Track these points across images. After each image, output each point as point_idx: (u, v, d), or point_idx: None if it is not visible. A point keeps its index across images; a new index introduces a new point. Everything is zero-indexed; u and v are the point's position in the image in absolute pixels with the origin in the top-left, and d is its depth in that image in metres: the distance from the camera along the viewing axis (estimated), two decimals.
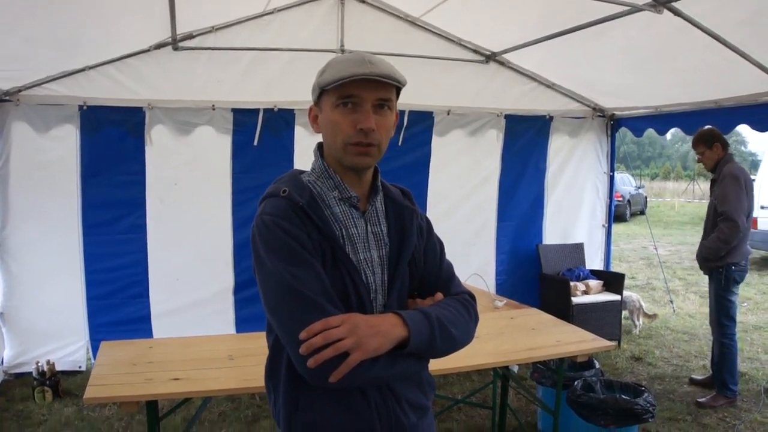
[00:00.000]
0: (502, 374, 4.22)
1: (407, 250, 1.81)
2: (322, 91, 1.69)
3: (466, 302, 1.86)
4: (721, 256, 4.97)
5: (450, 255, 5.79)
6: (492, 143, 6.87)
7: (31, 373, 5.22)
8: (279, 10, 5.78)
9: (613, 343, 3.84)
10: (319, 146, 1.82)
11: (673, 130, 6.49)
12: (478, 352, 3.51)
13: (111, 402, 3.86)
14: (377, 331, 1.57)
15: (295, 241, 1.61)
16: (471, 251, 6.85)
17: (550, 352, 3.61)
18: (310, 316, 1.54)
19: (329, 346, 1.50)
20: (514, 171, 6.98)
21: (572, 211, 7.24)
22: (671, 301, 8.62)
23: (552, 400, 3.99)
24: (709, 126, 5.31)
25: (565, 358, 3.72)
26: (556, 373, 3.82)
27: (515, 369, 5.44)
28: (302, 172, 1.82)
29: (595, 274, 7.00)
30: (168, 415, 3.61)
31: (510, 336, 3.85)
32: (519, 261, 7.13)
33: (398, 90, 1.73)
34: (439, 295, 1.83)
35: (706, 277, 5.24)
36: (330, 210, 1.72)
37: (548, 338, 3.77)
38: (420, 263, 1.86)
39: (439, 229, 6.04)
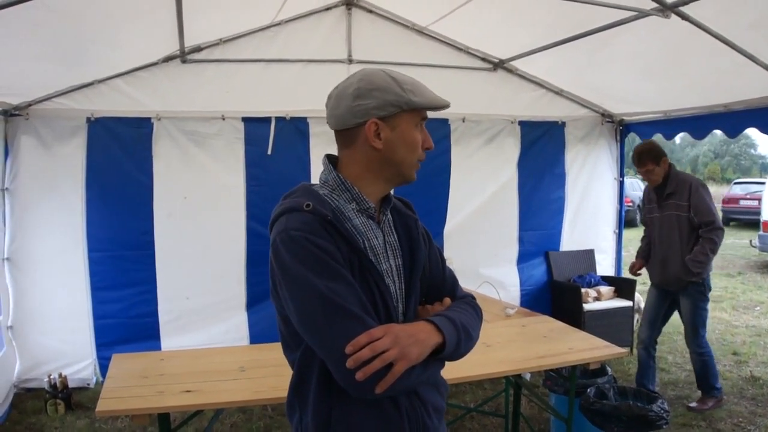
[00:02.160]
0: (514, 382, 4.20)
1: (419, 259, 1.83)
2: (403, 110, 1.72)
3: (474, 305, 1.93)
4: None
5: (473, 265, 5.83)
6: (509, 150, 6.86)
7: (42, 387, 5.23)
8: (286, 21, 5.81)
9: (626, 350, 3.82)
10: (329, 158, 1.82)
11: (682, 134, 6.43)
12: (490, 361, 3.51)
13: (123, 414, 3.84)
14: (416, 339, 1.61)
15: (327, 255, 1.61)
16: (495, 261, 6.83)
17: (562, 360, 3.59)
18: (352, 330, 1.55)
19: (376, 358, 1.52)
20: (533, 178, 6.97)
21: (586, 217, 7.21)
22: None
23: (565, 408, 3.97)
24: (648, 140, 5.28)
25: (577, 366, 3.70)
26: (569, 380, 3.80)
27: (527, 377, 5.42)
28: (312, 185, 1.81)
29: (607, 280, 6.96)
30: (180, 428, 3.60)
31: (521, 344, 3.83)
32: (536, 269, 7.12)
33: None
34: (448, 300, 1.88)
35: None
36: (351, 222, 1.73)
37: (560, 346, 3.74)
38: (426, 270, 1.89)
39: (461, 239, 6.08)
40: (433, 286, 1.91)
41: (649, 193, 5.23)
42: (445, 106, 1.77)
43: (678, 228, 4.92)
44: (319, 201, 1.70)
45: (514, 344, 3.83)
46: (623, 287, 6.78)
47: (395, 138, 1.73)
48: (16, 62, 4.30)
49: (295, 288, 1.62)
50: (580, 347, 3.71)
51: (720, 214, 5.02)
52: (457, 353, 1.74)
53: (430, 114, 5.59)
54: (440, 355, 1.66)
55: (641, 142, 5.18)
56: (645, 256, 5.36)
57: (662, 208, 5.01)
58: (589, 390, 4.21)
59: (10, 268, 5.43)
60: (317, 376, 1.68)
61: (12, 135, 5.36)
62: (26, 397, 5.42)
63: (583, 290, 6.53)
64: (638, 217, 20.61)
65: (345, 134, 1.75)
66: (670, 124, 6.32)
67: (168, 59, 5.62)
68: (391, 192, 1.86)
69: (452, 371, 3.23)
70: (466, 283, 4.88)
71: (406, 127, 1.73)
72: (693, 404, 5.13)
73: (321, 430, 1.70)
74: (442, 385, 1.91)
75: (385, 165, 1.75)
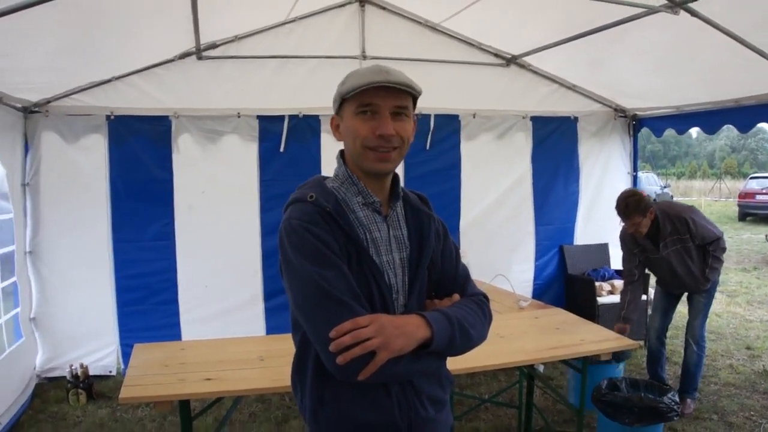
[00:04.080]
0: (527, 374, 4.26)
1: (426, 254, 1.88)
2: (343, 101, 1.78)
3: (481, 303, 1.96)
4: None
5: (489, 259, 5.86)
6: (521, 145, 6.91)
7: (64, 376, 5.37)
8: (301, 18, 5.89)
9: (638, 342, 3.85)
10: (341, 153, 1.90)
11: (697, 129, 6.44)
12: (502, 351, 3.57)
13: (146, 402, 3.95)
14: (403, 331, 1.66)
15: (323, 244, 1.68)
16: (510, 255, 6.92)
17: (573, 351, 3.64)
18: (339, 316, 1.62)
19: (358, 345, 1.59)
20: (547, 173, 7.03)
21: (600, 211, 7.20)
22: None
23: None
24: (626, 191, 4.94)
25: (588, 357, 3.75)
26: (581, 371, 3.85)
27: (541, 368, 5.48)
28: (326, 178, 1.89)
29: (621, 273, 6.96)
30: (200, 416, 3.71)
31: (534, 335, 3.89)
32: (550, 263, 7.19)
33: (414, 99, 1.82)
34: (456, 296, 1.92)
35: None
36: (354, 214, 1.80)
37: (572, 337, 3.80)
38: (438, 265, 1.94)
39: (475, 234, 6.13)
40: (445, 281, 1.96)
41: (636, 239, 4.92)
42: (367, 83, 1.70)
43: (689, 257, 4.83)
44: (323, 193, 1.78)
45: (527, 336, 3.88)
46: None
47: (343, 129, 1.82)
48: (34, 59, 4.40)
49: (291, 273, 1.71)
50: (591, 339, 3.76)
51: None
52: (452, 349, 1.78)
53: (440, 110, 5.66)
54: (429, 349, 1.70)
55: (625, 193, 4.85)
56: (633, 317, 4.98)
57: (663, 247, 4.82)
58: (601, 381, 4.27)
59: (32, 261, 5.57)
60: (313, 358, 1.76)
61: (32, 131, 5.48)
62: (48, 386, 5.55)
63: (597, 284, 6.57)
64: None
65: None
66: (681, 119, 6.35)
67: (184, 56, 5.72)
68: (399, 187, 1.91)
69: (465, 361, 3.31)
70: (480, 276, 4.97)
71: (346, 116, 1.79)
72: (687, 411, 4.95)
73: (315, 409, 1.79)
74: (445, 378, 1.95)
75: (350, 156, 1.84)
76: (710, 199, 31.47)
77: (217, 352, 3.68)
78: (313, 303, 1.66)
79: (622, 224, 4.86)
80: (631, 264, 5.02)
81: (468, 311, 1.85)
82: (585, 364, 3.79)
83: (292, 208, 1.78)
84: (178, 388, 3.12)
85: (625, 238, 5.04)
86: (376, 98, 1.73)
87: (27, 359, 5.44)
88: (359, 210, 1.82)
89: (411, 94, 1.78)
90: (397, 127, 1.76)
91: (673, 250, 4.82)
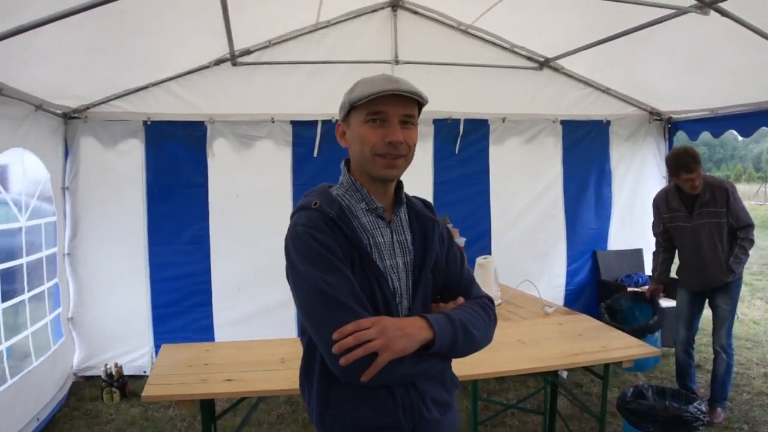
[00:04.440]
0: (551, 380, 4.24)
1: (430, 258, 1.92)
2: (351, 108, 1.83)
3: (485, 306, 1.98)
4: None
5: (520, 266, 5.86)
6: (551, 150, 6.86)
7: (99, 375, 5.53)
8: (333, 24, 5.95)
9: (659, 349, 3.80)
10: (346, 162, 1.95)
11: (733, 131, 6.30)
12: (521, 357, 3.57)
13: (167, 400, 4.04)
14: (404, 333, 1.70)
15: (326, 250, 1.74)
16: (542, 261, 6.87)
17: (594, 358, 3.60)
18: (342, 319, 1.67)
19: (360, 346, 1.63)
20: (578, 178, 6.96)
21: (634, 216, 7.12)
22: (737, 316, 8.35)
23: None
24: (680, 147, 4.89)
25: (610, 364, 3.72)
26: (603, 378, 3.82)
27: (564, 375, 5.44)
28: (331, 186, 1.95)
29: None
30: (224, 415, 3.78)
31: (556, 341, 3.86)
32: (582, 268, 7.11)
33: (420, 107, 1.86)
34: (461, 299, 1.95)
35: None
36: (358, 221, 1.85)
37: (594, 344, 3.76)
38: (442, 269, 1.98)
39: (505, 239, 6.12)
40: (449, 285, 1.99)
41: (668, 202, 4.95)
42: (379, 92, 1.75)
43: (718, 234, 4.76)
44: (328, 200, 1.84)
45: (549, 342, 3.86)
46: (672, 287, 6.67)
47: (350, 136, 1.87)
48: (71, 63, 4.53)
49: (297, 278, 1.77)
50: (613, 346, 3.72)
51: None
52: (455, 350, 1.82)
53: (470, 115, 5.66)
54: (431, 350, 1.73)
55: (682, 148, 4.84)
56: (664, 279, 5.22)
57: (696, 216, 4.78)
58: (627, 389, 4.23)
59: (70, 262, 5.73)
60: (320, 361, 1.81)
61: (72, 136, 5.65)
62: (84, 385, 5.71)
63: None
64: None
65: None
66: (717, 122, 6.23)
67: (219, 62, 5.82)
68: (403, 193, 1.96)
69: (480, 366, 3.34)
70: (511, 282, 4.96)
71: (354, 123, 1.84)
72: (717, 420, 4.86)
73: (321, 410, 1.83)
74: (450, 380, 1.99)
75: (356, 164, 1.89)
76: (755, 203, 30.65)
77: (241, 353, 3.75)
78: (317, 307, 1.71)
79: (670, 181, 4.90)
80: (658, 230, 5.10)
81: (471, 313, 1.89)
82: (606, 371, 3.75)
83: (298, 215, 1.84)
84: (200, 388, 3.20)
85: (659, 202, 5.05)
86: (386, 106, 1.78)
87: (65, 358, 5.60)
88: (363, 216, 1.87)
89: (418, 102, 1.83)
90: (405, 135, 1.81)
91: (705, 222, 4.76)
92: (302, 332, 1.91)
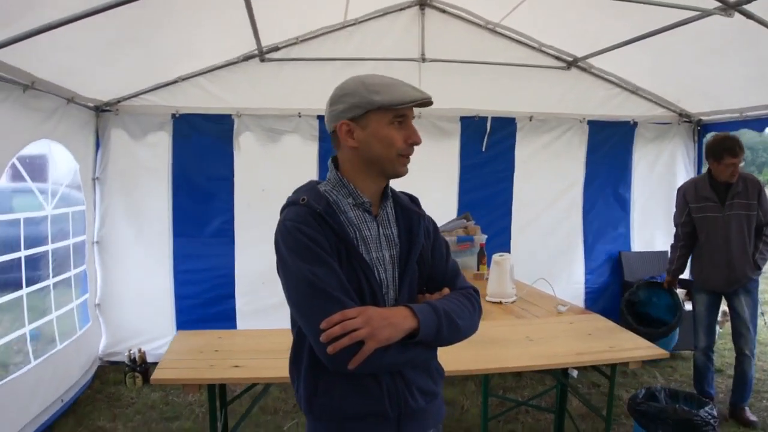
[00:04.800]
0: (561, 379, 4.24)
1: (415, 250, 1.98)
2: (369, 110, 1.86)
3: (470, 296, 2.04)
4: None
5: (539, 264, 5.81)
6: (576, 150, 6.83)
7: (123, 361, 5.70)
8: (361, 21, 6.02)
9: (666, 352, 3.76)
10: (333, 160, 2.01)
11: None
12: (526, 354, 3.58)
13: (174, 384, 4.14)
14: (389, 322, 1.76)
15: (314, 243, 1.80)
16: (561, 260, 6.85)
17: (600, 357, 3.59)
18: (329, 309, 1.73)
19: (347, 335, 1.70)
20: (599, 178, 6.91)
21: (660, 218, 7.03)
22: (761, 313, 8.17)
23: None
24: (722, 134, 4.89)
25: (617, 365, 3.71)
26: (609, 378, 3.81)
27: (574, 374, 5.44)
28: (319, 182, 2.01)
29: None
30: (235, 401, 3.89)
31: (564, 340, 3.84)
32: (604, 268, 7.06)
33: None
34: (446, 290, 2.01)
35: None
36: (345, 215, 1.91)
37: (601, 344, 3.73)
38: (428, 261, 2.04)
39: (524, 237, 6.10)
40: (435, 276, 2.05)
41: (698, 191, 4.91)
42: (416, 100, 1.85)
43: (747, 227, 4.74)
44: (315, 196, 1.90)
45: (557, 340, 3.84)
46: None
47: (368, 136, 1.87)
48: (101, 60, 4.70)
49: (286, 271, 1.84)
50: (621, 346, 3.69)
51: None
52: (439, 339, 1.87)
53: (497, 113, 5.67)
54: (416, 339, 1.79)
55: (721, 133, 4.86)
56: (680, 274, 5.24)
57: (728, 207, 4.75)
58: (639, 391, 4.21)
59: (99, 250, 5.90)
60: (308, 350, 1.87)
61: (103, 129, 5.83)
62: (109, 369, 5.90)
63: (646, 280, 6.40)
64: None
65: (332, 137, 1.96)
66: (748, 125, 6.11)
67: (247, 58, 5.94)
68: (388, 187, 2.01)
69: (489, 361, 3.37)
70: (530, 280, 4.96)
71: (377, 125, 1.86)
72: (754, 418, 4.88)
73: (310, 398, 1.90)
74: (436, 370, 2.05)
75: (367, 162, 1.91)
76: None
77: (251, 341, 3.84)
78: (306, 299, 1.78)
79: (708, 168, 4.85)
80: (680, 220, 5.08)
81: (456, 303, 1.95)
82: (613, 371, 3.74)
83: (287, 211, 1.90)
84: (207, 373, 3.29)
85: (687, 191, 5.03)
86: (408, 110, 1.88)
87: (92, 343, 5.77)
88: (350, 210, 1.92)
89: None
90: None
91: (736, 213, 4.73)
92: (292, 323, 1.98)
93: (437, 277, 2.05)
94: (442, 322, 1.84)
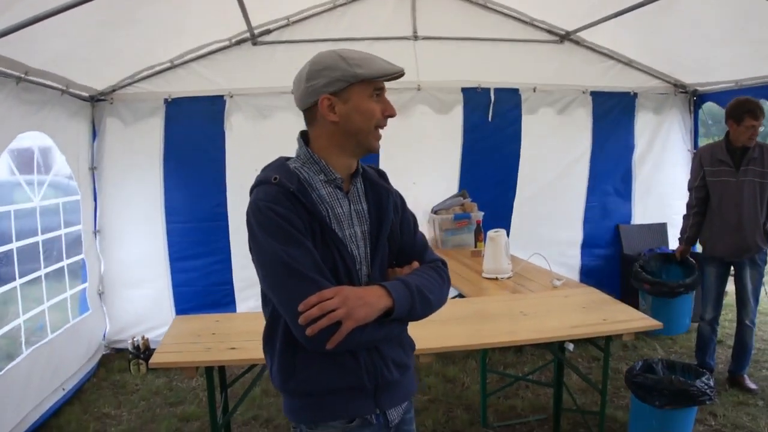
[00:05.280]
0: (556, 353, 4.26)
1: (386, 226, 2.00)
2: (352, 83, 1.86)
3: (439, 269, 2.07)
4: None
5: (537, 238, 5.76)
6: (582, 121, 6.76)
7: (127, 348, 5.78)
8: (352, 1, 6.01)
9: (659, 323, 3.76)
10: (302, 134, 2.02)
11: None
12: (520, 329, 3.59)
13: (173, 367, 4.16)
14: (365, 302, 1.78)
15: (287, 223, 1.81)
16: (560, 234, 6.82)
17: (593, 330, 3.58)
18: (305, 290, 1.75)
19: (324, 317, 1.72)
20: (604, 150, 6.85)
21: (659, 190, 7.02)
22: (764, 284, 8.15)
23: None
24: (742, 97, 4.86)
25: (611, 337, 3.72)
26: (603, 350, 3.82)
27: (570, 347, 5.45)
28: (288, 158, 2.01)
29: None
30: (235, 383, 3.94)
31: (558, 314, 3.84)
32: (603, 242, 7.03)
33: None
34: (416, 264, 2.04)
35: None
36: (317, 192, 1.92)
37: (595, 316, 3.72)
38: (397, 236, 2.06)
39: (531, 209, 6.02)
40: (404, 250, 2.08)
41: (714, 154, 4.88)
42: (396, 72, 1.87)
43: (760, 194, 4.73)
44: (286, 174, 1.89)
45: (551, 314, 3.84)
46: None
47: (349, 110, 1.88)
48: (90, 43, 4.64)
49: (259, 252, 1.86)
50: (615, 318, 3.68)
51: None
52: (413, 315, 1.91)
53: (500, 84, 5.64)
54: (391, 316, 1.82)
55: (741, 96, 4.83)
56: (693, 239, 5.19)
57: (743, 173, 4.73)
58: (636, 363, 4.23)
59: (100, 239, 5.95)
60: (283, 329, 1.89)
61: (98, 118, 5.84)
62: (114, 356, 5.97)
63: (659, 252, 6.39)
64: None
65: (307, 113, 1.96)
66: (745, 94, 6.04)
67: (239, 42, 5.93)
68: (358, 163, 2.02)
69: (481, 336, 3.38)
70: (526, 255, 4.95)
71: (358, 98, 1.87)
72: (753, 386, 4.93)
73: (287, 377, 1.91)
74: (407, 343, 2.10)
75: (346, 136, 1.91)
76: None
77: (248, 324, 3.83)
78: (281, 280, 1.79)
79: (728, 131, 4.81)
80: (694, 184, 5.03)
81: (426, 278, 1.98)
82: (608, 344, 3.75)
83: (258, 190, 1.91)
84: (203, 356, 3.31)
85: (703, 154, 5.00)
86: (384, 84, 1.90)
87: (94, 331, 5.82)
88: (322, 188, 1.93)
89: None
90: None
91: (750, 180, 4.73)
92: (264, 303, 2.00)
93: (406, 251, 2.08)
94: (415, 299, 1.87)
